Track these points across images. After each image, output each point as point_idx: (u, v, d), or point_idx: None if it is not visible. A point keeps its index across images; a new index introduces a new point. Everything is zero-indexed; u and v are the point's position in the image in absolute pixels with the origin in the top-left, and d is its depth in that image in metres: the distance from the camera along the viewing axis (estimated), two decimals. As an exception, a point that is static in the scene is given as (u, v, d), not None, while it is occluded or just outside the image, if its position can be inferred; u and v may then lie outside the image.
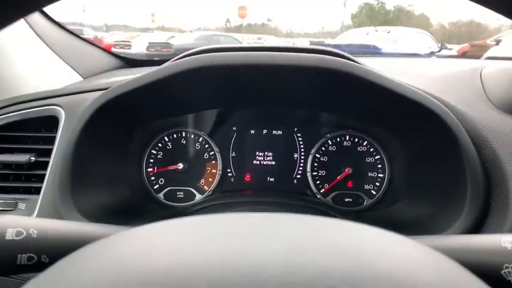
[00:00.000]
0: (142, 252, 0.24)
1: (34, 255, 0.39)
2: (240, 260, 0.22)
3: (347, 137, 1.01)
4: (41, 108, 0.85)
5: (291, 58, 0.68)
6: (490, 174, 0.70)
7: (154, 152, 1.01)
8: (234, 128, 1.04)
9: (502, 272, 0.39)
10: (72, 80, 1.12)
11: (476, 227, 0.68)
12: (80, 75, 1.17)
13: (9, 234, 0.39)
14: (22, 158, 0.80)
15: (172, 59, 0.77)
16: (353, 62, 0.69)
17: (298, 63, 0.68)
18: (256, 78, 0.75)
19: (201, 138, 1.03)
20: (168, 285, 0.20)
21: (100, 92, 0.76)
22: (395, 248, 0.26)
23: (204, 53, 0.71)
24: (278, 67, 0.68)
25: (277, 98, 0.90)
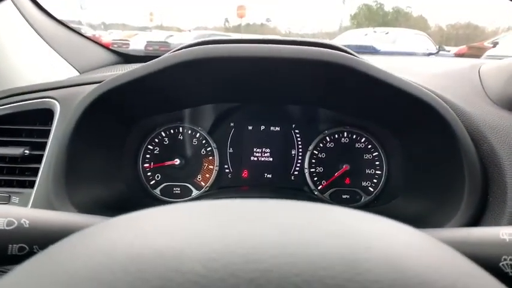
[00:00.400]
0: (135, 236, 0.23)
1: (25, 246, 0.39)
2: (235, 241, 0.21)
3: (345, 134, 1.01)
4: (36, 100, 0.84)
5: (292, 51, 0.67)
6: (487, 169, 0.69)
7: (151, 147, 1.01)
8: (232, 124, 1.03)
9: (500, 264, 0.39)
10: (68, 74, 1.11)
11: (474, 223, 0.67)
12: (77, 70, 1.15)
13: (0, 224, 0.38)
14: (16, 151, 0.79)
15: (170, 51, 0.76)
16: (354, 57, 0.68)
17: (299, 56, 0.67)
18: (255, 71, 0.75)
19: (198, 134, 1.02)
20: (163, 266, 0.20)
21: (96, 85, 0.75)
22: (394, 232, 0.26)
23: (202, 45, 0.71)
24: (279, 60, 0.67)
25: (276, 95, 0.90)
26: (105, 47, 1.40)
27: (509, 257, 0.39)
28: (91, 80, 0.88)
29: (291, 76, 0.75)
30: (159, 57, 0.72)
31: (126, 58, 1.43)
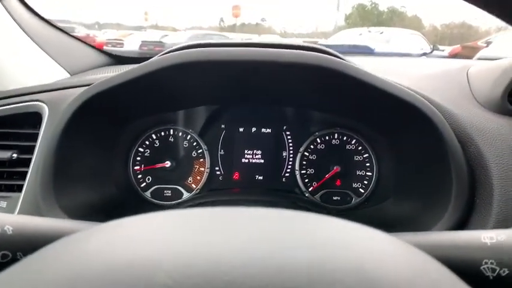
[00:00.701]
0: (105, 248, 0.24)
1: (9, 253, 0.38)
2: (202, 253, 0.21)
3: (336, 135, 1.01)
4: (24, 104, 0.83)
5: (280, 54, 0.67)
6: (474, 172, 0.70)
7: (142, 149, 1.00)
8: (223, 126, 1.03)
9: (481, 267, 0.39)
10: (59, 76, 1.11)
11: (461, 224, 0.68)
12: (68, 72, 1.15)
13: None
14: (4, 154, 0.79)
15: (159, 54, 0.76)
16: (340, 60, 0.69)
17: (287, 60, 0.67)
18: (244, 74, 0.75)
19: (189, 136, 1.02)
20: (132, 279, 0.20)
21: (84, 88, 0.75)
22: (367, 241, 0.26)
23: (191, 48, 0.71)
24: (266, 63, 0.67)
25: (266, 97, 0.90)
26: (96, 48, 1.39)
27: (490, 261, 0.40)
28: (79, 83, 0.88)
29: (280, 79, 0.76)
30: (148, 61, 0.72)
31: (118, 59, 1.43)
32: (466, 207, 0.68)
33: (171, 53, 0.70)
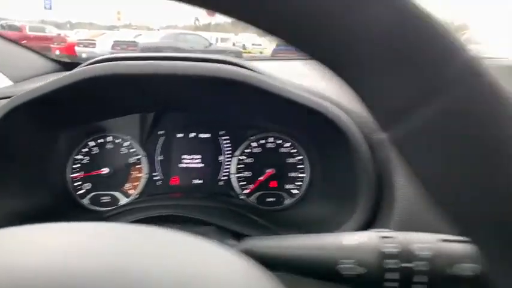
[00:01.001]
0: None
1: None
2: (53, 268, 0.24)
3: (270, 139, 1.04)
4: None
5: (177, 67, 0.71)
6: (382, 174, 0.75)
7: (79, 157, 1.01)
8: (161, 132, 1.05)
9: (337, 267, 0.44)
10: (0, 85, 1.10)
11: (368, 224, 0.73)
12: (11, 80, 1.14)
13: None
14: None
15: (80, 66, 0.78)
16: (240, 68, 0.72)
17: (181, 72, 0.70)
18: (157, 85, 0.77)
19: (127, 143, 1.03)
20: None
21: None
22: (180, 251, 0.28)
23: (107, 61, 0.73)
24: (164, 76, 0.71)
25: (191, 105, 0.92)
26: (43, 55, 1.39)
27: (350, 261, 0.44)
28: (10, 93, 0.88)
29: (194, 90, 0.79)
30: (66, 73, 0.73)
31: (66, 66, 1.42)
32: (372, 209, 0.73)
33: (86, 67, 0.72)
